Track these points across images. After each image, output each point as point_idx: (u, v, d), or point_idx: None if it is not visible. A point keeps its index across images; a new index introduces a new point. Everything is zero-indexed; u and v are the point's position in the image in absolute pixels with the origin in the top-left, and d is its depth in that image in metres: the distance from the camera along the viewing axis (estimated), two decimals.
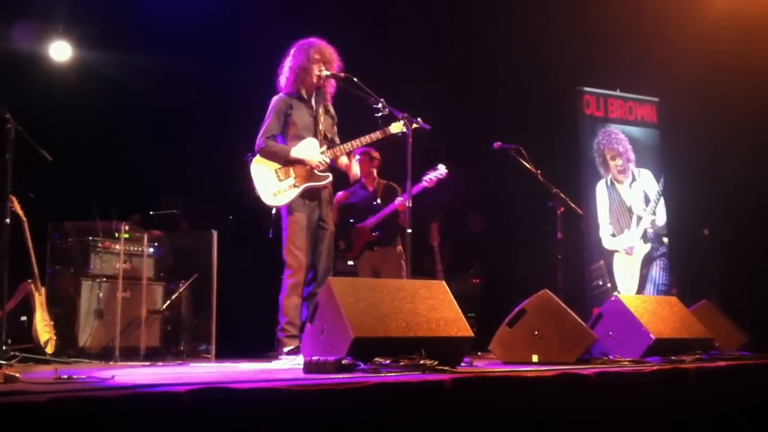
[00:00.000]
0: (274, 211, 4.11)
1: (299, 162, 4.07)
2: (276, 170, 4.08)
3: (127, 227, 4.94)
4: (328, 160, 4.13)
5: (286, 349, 3.96)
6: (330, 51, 4.18)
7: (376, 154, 5.20)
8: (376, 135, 4.14)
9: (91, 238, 4.86)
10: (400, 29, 6.43)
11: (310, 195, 4.09)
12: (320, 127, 4.16)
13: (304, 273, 4.04)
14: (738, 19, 6.35)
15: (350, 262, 5.49)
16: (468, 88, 6.55)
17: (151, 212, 5.40)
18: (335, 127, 4.29)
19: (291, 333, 3.98)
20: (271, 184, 4.08)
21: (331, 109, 4.28)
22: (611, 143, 6.59)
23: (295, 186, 4.06)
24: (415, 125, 3.98)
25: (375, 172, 5.22)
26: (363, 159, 5.12)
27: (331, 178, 4.15)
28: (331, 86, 4.23)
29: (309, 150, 4.09)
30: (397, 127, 4.10)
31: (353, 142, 4.17)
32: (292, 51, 4.20)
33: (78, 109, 5.49)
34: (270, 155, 4.09)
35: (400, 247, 5.10)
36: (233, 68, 5.82)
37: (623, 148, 6.63)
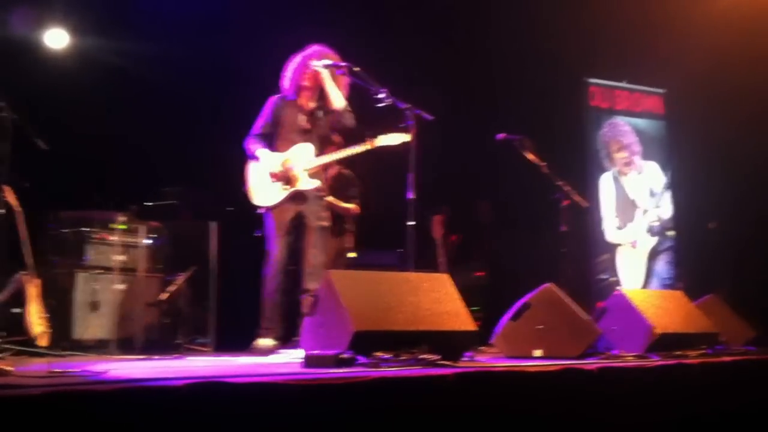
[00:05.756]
0: (263, 211, 4.23)
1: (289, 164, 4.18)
2: (270, 172, 4.18)
3: (123, 218, 4.89)
4: (277, 170, 4.14)
5: (259, 341, 4.09)
6: (327, 52, 4.18)
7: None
8: (363, 147, 4.17)
9: (87, 228, 4.79)
10: (404, 19, 6.37)
11: (294, 196, 4.19)
12: (310, 126, 4.20)
13: (277, 268, 4.15)
14: (746, 11, 6.32)
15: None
16: (472, 79, 6.49)
17: (148, 202, 5.33)
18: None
19: (265, 326, 4.12)
20: (264, 185, 4.20)
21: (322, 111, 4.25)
22: (617, 135, 6.55)
23: (284, 189, 4.17)
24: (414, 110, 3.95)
25: None
26: None
27: (318, 184, 4.21)
28: (342, 86, 4.20)
29: (289, 156, 4.17)
30: (383, 140, 4.11)
31: (335, 154, 4.22)
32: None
33: (75, 97, 5.43)
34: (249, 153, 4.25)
35: (343, 239, 5.03)
36: (235, 56, 5.76)
37: (629, 140, 6.60)
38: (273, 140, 4.25)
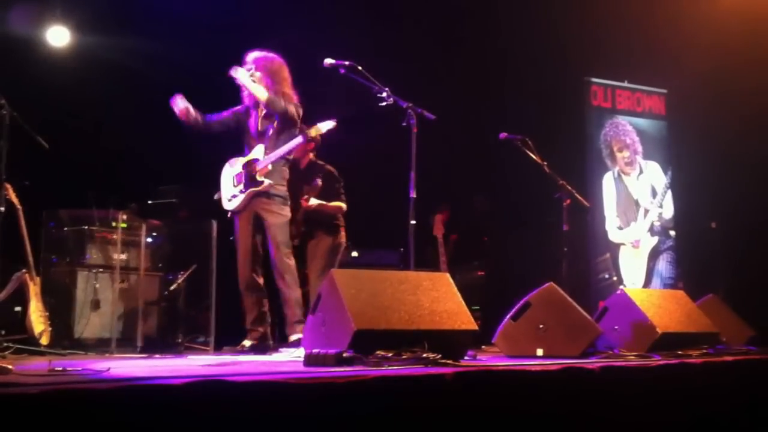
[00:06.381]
0: (229, 215, 4.45)
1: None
2: (234, 175, 4.43)
3: (124, 216, 4.87)
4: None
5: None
6: (268, 58, 4.38)
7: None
8: (297, 140, 4.36)
9: (87, 227, 4.78)
10: (408, 19, 6.35)
11: (251, 197, 4.36)
12: (262, 129, 4.41)
13: (240, 270, 4.35)
14: (747, 11, 6.30)
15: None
16: (474, 78, 6.48)
17: (149, 201, 5.32)
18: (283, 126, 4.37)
19: (248, 328, 4.34)
20: (228, 189, 4.45)
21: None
22: (618, 135, 6.54)
23: (242, 192, 4.36)
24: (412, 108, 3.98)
25: (311, 154, 5.16)
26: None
27: (267, 182, 4.32)
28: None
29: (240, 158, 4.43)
30: (317, 130, 4.37)
31: (274, 153, 4.34)
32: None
33: (75, 95, 5.41)
34: None
35: (336, 236, 5.00)
36: (235, 55, 5.74)
37: (630, 139, 6.58)
38: (242, 148, 4.47)
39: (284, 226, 4.35)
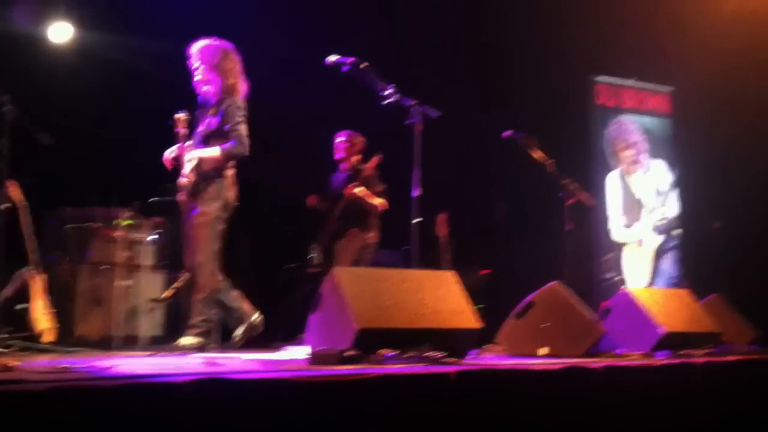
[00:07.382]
0: None
1: None
2: None
3: (127, 214, 4.87)
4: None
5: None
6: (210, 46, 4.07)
7: (358, 140, 5.20)
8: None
9: (90, 224, 4.78)
10: (412, 18, 6.35)
11: None
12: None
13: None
14: (754, 10, 6.28)
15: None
16: (478, 76, 6.47)
17: (151, 198, 5.32)
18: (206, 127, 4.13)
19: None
20: None
21: (214, 110, 4.11)
22: (623, 133, 6.54)
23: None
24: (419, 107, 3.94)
25: (354, 158, 5.18)
26: (342, 143, 5.19)
27: (183, 178, 4.06)
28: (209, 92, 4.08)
29: None
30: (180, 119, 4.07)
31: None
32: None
33: (78, 91, 5.41)
34: None
35: (369, 235, 5.00)
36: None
37: (635, 138, 6.58)
38: None
39: (200, 227, 3.92)
